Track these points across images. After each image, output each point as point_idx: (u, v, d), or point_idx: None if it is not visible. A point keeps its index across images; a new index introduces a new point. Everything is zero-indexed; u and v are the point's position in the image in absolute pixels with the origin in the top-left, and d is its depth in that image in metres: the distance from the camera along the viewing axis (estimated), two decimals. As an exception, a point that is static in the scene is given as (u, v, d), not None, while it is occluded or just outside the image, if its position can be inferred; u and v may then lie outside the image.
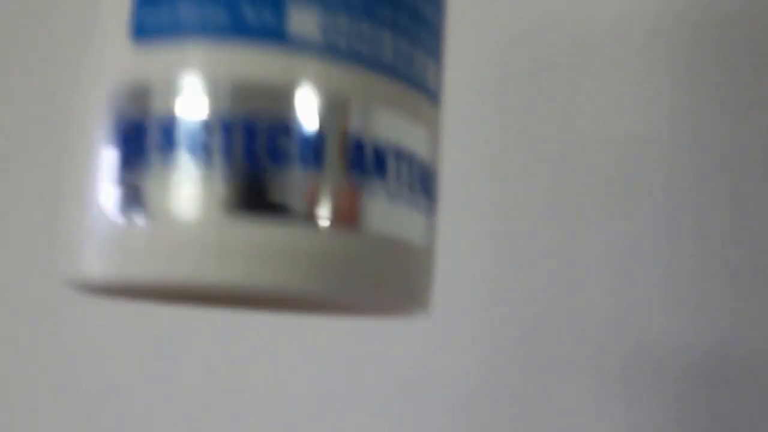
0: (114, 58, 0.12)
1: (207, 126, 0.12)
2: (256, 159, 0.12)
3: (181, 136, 0.12)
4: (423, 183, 0.14)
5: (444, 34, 0.15)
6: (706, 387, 0.33)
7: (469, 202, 0.35)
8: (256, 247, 0.12)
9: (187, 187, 0.12)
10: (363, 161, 0.12)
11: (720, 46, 0.34)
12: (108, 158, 0.12)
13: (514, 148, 0.35)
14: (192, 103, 0.12)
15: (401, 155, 0.13)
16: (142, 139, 0.12)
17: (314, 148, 0.12)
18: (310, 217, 0.12)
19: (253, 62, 0.12)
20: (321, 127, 0.12)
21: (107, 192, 0.12)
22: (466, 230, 0.35)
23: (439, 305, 0.33)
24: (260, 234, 0.12)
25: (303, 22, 0.12)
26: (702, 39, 0.34)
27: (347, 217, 0.12)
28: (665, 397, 0.33)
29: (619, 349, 0.33)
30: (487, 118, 0.35)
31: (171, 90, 0.12)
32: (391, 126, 0.13)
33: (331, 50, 0.12)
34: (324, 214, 0.12)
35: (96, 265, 0.12)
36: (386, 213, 0.13)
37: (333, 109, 0.12)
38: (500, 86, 0.35)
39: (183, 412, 0.35)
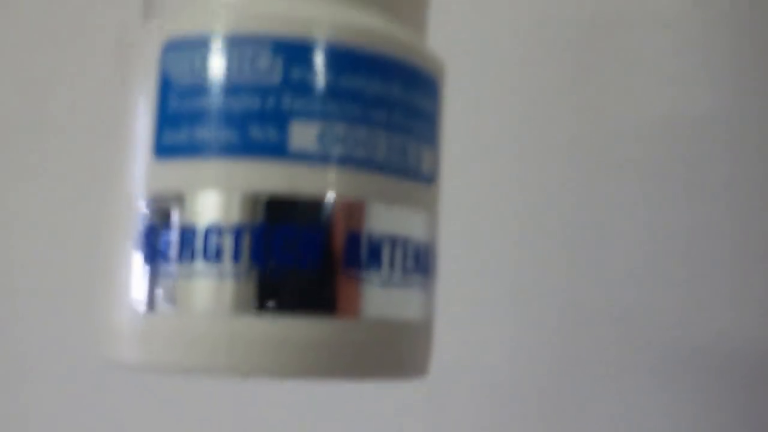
0: (140, 172, 0.14)
1: (219, 232, 0.13)
2: (262, 260, 0.13)
3: (197, 241, 0.13)
4: (417, 262, 0.15)
5: (440, 114, 0.16)
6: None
7: (519, 186, 0.35)
8: (263, 339, 0.13)
9: (201, 286, 0.13)
10: (359, 255, 0.14)
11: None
12: (135, 258, 0.14)
13: (570, 130, 0.35)
14: (206, 212, 0.13)
15: (396, 242, 0.14)
16: (163, 243, 0.14)
17: (313, 248, 0.14)
18: (312, 311, 0.13)
19: (259, 175, 0.13)
20: (320, 228, 0.14)
21: (135, 288, 0.14)
22: (514, 216, 0.35)
23: (488, 296, 0.34)
24: (266, 327, 0.13)
25: (303, 135, 0.14)
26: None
27: (345, 308, 0.14)
28: (730, 394, 0.33)
29: (683, 343, 0.34)
30: (542, 97, 0.35)
31: (188, 201, 0.13)
32: (384, 218, 0.14)
33: (328, 158, 0.14)
34: (323, 308, 0.14)
35: (126, 351, 0.14)
36: (382, 299, 0.14)
37: (330, 211, 0.14)
38: (553, 65, 0.35)
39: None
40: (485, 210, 0.36)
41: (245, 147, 0.13)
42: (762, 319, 0.33)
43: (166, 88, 0.14)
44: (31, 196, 0.37)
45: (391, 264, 0.14)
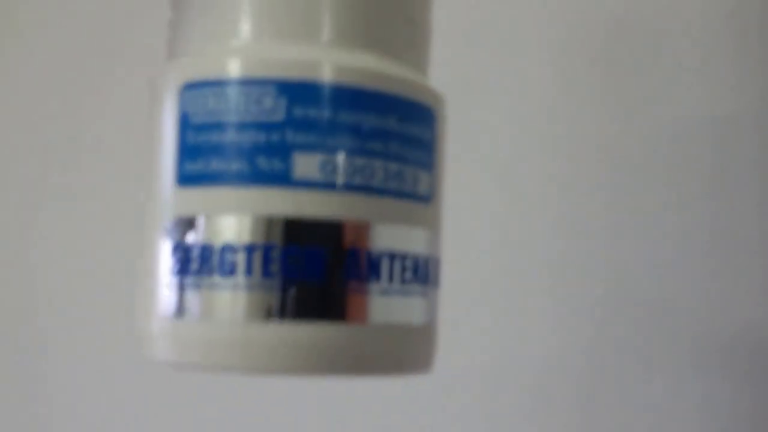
0: (166, 198, 0.16)
1: (233, 249, 0.15)
2: (270, 274, 0.15)
3: (214, 258, 0.15)
4: (416, 274, 0.17)
5: (439, 139, 0.18)
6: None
7: (556, 186, 0.37)
8: (272, 341, 0.15)
9: (219, 297, 0.15)
10: (359, 269, 0.16)
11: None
12: (164, 271, 0.16)
13: (603, 129, 0.36)
14: (221, 233, 0.15)
15: (394, 257, 0.16)
16: (187, 259, 0.16)
17: (317, 263, 0.15)
18: (315, 318, 0.15)
19: (266, 201, 0.15)
20: (323, 246, 0.15)
21: (165, 296, 0.16)
22: (550, 212, 0.37)
23: (528, 288, 0.36)
24: (275, 331, 0.15)
25: (306, 165, 0.15)
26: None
27: (343, 315, 0.16)
28: (759, 381, 0.35)
29: (713, 333, 0.35)
30: (570, 100, 0.37)
31: (206, 223, 0.16)
32: (382, 236, 0.16)
33: (328, 185, 0.16)
34: (324, 315, 0.15)
35: (159, 351, 0.16)
36: (381, 306, 0.16)
37: (332, 231, 0.16)
38: (583, 66, 0.37)
39: None
40: (525, 206, 0.37)
41: (254, 176, 0.15)
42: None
43: (184, 123, 0.16)
44: (79, 217, 0.42)
45: (390, 276, 0.16)
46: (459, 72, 0.36)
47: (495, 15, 0.38)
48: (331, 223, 0.16)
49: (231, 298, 0.15)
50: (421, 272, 0.17)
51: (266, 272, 0.15)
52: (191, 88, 0.16)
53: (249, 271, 0.15)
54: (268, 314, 0.15)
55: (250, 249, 0.15)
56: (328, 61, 0.16)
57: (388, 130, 0.16)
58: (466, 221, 0.37)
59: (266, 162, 0.15)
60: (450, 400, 0.37)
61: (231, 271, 0.15)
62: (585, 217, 0.36)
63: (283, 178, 0.15)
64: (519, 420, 0.36)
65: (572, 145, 0.36)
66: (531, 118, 0.37)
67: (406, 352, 0.17)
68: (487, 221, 0.38)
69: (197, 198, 0.16)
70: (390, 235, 0.16)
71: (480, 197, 0.37)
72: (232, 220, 0.15)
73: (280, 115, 0.15)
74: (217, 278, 0.15)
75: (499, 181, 0.38)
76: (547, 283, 0.37)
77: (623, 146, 0.36)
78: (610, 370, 0.36)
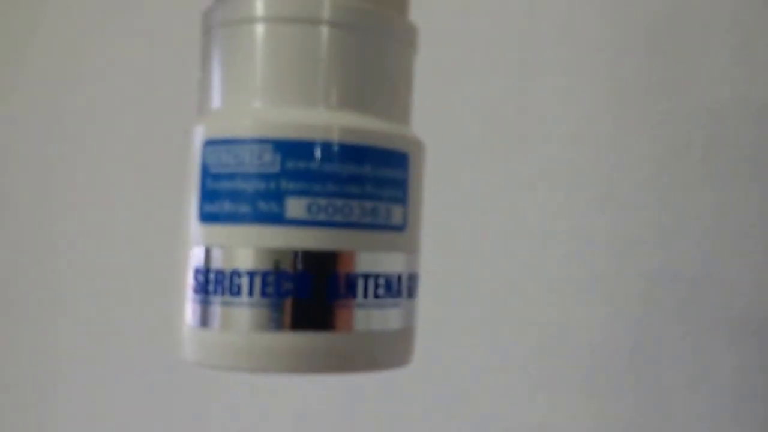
0: (191, 231, 0.20)
1: (239, 274, 0.20)
2: (267, 294, 0.20)
3: (226, 280, 0.20)
4: (389, 290, 0.21)
5: (415, 177, 0.22)
6: None
7: (605, 159, 0.42)
8: (271, 348, 0.20)
9: (229, 312, 0.20)
10: (338, 289, 0.20)
11: None
12: (190, 291, 0.20)
13: (652, 111, 0.42)
14: (231, 261, 0.20)
15: (368, 277, 0.20)
16: (205, 281, 0.20)
17: (306, 285, 0.20)
18: (306, 328, 0.20)
19: (264, 236, 0.20)
20: (309, 271, 0.20)
21: (190, 311, 0.20)
22: (617, 192, 0.42)
23: (580, 271, 0.41)
24: (273, 339, 0.20)
25: (295, 207, 0.20)
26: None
27: (330, 325, 0.20)
28: None
29: (751, 309, 0.40)
30: (620, 85, 0.42)
31: (220, 252, 0.20)
32: (359, 261, 0.20)
33: (313, 223, 0.20)
34: (314, 326, 0.20)
35: (187, 352, 0.21)
36: (361, 317, 0.20)
37: (316, 259, 0.20)
38: (628, 52, 0.42)
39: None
40: (574, 195, 0.42)
41: (255, 216, 0.20)
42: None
43: (205, 172, 0.20)
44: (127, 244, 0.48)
45: (365, 293, 0.20)
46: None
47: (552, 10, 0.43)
48: (315, 252, 0.20)
49: (239, 313, 0.20)
50: (394, 288, 0.21)
51: (264, 293, 0.20)
52: (210, 144, 0.20)
53: (251, 292, 0.20)
54: (267, 326, 0.20)
55: (251, 274, 0.20)
56: (313, 124, 0.20)
57: (364, 176, 0.20)
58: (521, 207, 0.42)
59: (265, 205, 0.20)
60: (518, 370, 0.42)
61: (238, 291, 0.20)
62: (636, 201, 0.42)
63: (278, 218, 0.20)
64: (574, 392, 0.42)
65: (632, 127, 0.42)
66: (587, 103, 0.42)
67: (385, 352, 0.21)
68: (536, 204, 0.43)
69: (214, 232, 0.20)
70: (366, 260, 0.20)
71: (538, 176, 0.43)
72: (239, 251, 0.20)
73: (276, 168, 0.20)
74: (228, 297, 0.20)
75: (547, 161, 0.42)
76: (598, 267, 0.42)
77: (669, 126, 0.41)
78: (657, 340, 0.41)
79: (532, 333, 0.42)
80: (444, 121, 0.45)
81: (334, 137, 0.20)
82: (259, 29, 0.21)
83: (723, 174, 0.41)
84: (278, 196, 0.20)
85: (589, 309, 0.42)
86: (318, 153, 0.20)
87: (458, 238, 0.45)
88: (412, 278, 0.22)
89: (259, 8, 0.21)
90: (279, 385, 0.46)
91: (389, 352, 0.21)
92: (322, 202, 0.20)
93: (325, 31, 0.21)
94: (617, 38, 0.42)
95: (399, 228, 0.21)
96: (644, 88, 0.42)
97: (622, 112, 0.42)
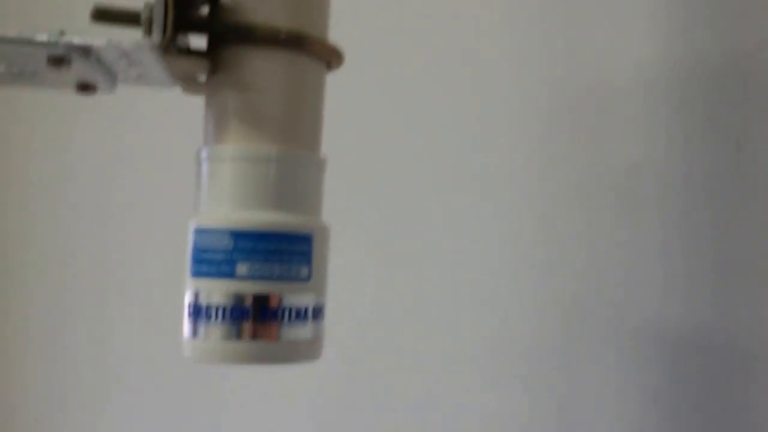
0: (187, 281, 0.36)
1: (210, 307, 0.35)
2: (226, 318, 0.35)
3: (203, 311, 0.35)
4: (301, 315, 0.36)
5: (318, 248, 0.37)
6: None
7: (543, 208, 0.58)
8: (234, 351, 0.35)
9: (208, 329, 0.35)
10: (268, 316, 0.35)
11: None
12: (186, 315, 0.36)
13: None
14: (207, 298, 0.35)
15: (286, 309, 0.35)
16: (195, 311, 0.35)
17: (246, 314, 0.35)
18: (252, 339, 0.35)
19: (225, 286, 0.35)
20: (253, 305, 0.35)
21: (187, 327, 0.36)
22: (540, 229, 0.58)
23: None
24: (234, 346, 0.35)
25: (242, 269, 0.35)
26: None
27: (265, 336, 0.35)
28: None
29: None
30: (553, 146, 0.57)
31: (202, 294, 0.35)
32: (281, 300, 0.35)
33: (253, 277, 0.35)
34: (257, 337, 0.35)
35: (185, 353, 0.36)
36: (285, 332, 0.35)
37: (256, 299, 0.35)
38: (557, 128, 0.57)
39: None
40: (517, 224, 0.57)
41: (218, 273, 0.35)
42: None
43: (195, 247, 0.36)
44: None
45: (288, 318, 0.35)
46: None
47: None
48: (256, 295, 0.35)
49: (214, 330, 0.35)
50: (302, 315, 0.36)
51: (224, 318, 0.35)
52: (197, 231, 0.36)
53: (217, 317, 0.35)
54: (231, 337, 0.35)
55: (217, 308, 0.35)
56: (253, 220, 0.35)
57: (283, 249, 0.35)
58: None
59: (226, 267, 0.35)
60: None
61: (214, 317, 0.35)
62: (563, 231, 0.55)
63: (230, 275, 0.35)
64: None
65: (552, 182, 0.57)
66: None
67: (300, 352, 0.36)
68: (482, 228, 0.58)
69: (198, 283, 0.35)
70: (286, 299, 0.35)
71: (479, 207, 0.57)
72: (213, 293, 0.35)
73: (230, 246, 0.35)
74: (205, 320, 0.35)
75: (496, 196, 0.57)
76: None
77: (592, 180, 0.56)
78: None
79: (476, 342, 0.57)
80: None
81: (266, 228, 0.35)
82: (226, 165, 0.36)
83: (636, 218, 0.55)
84: (232, 263, 0.35)
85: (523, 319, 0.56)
86: (255, 237, 0.35)
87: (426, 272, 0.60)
88: (317, 308, 0.37)
89: (227, 151, 0.36)
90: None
91: (302, 352, 0.36)
92: (257, 265, 0.35)
93: (264, 165, 0.36)
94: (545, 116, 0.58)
95: (306, 279, 0.36)
96: (569, 148, 0.56)
97: (552, 165, 0.56)
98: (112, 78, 0.38)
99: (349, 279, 0.66)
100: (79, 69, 0.36)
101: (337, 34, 0.40)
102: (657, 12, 0.58)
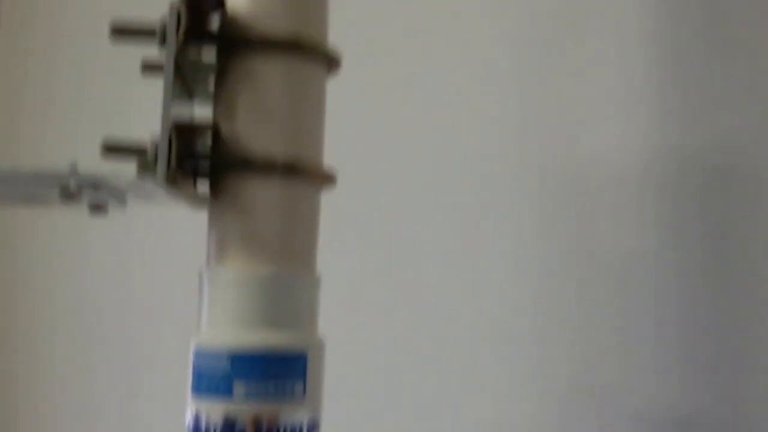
0: (188, 401, 0.38)
1: (210, 424, 0.37)
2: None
3: (203, 426, 0.37)
4: (297, 427, 0.38)
5: (313, 371, 0.39)
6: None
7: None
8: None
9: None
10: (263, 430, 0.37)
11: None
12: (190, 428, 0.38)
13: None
14: (207, 415, 0.37)
15: (282, 425, 0.37)
16: (197, 427, 0.38)
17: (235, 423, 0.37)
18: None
19: (221, 408, 0.37)
20: (251, 425, 0.37)
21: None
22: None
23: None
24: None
25: (239, 389, 0.37)
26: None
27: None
28: None
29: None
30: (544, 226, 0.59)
31: (202, 416, 0.37)
32: (278, 417, 0.37)
33: (247, 398, 0.37)
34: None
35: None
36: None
37: (253, 417, 0.37)
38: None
39: None
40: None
41: (217, 393, 0.37)
42: None
43: (195, 367, 0.38)
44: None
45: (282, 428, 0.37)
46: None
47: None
48: (252, 414, 0.37)
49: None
50: (300, 424, 0.38)
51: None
52: (197, 353, 0.38)
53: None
54: None
55: (216, 424, 0.37)
56: (248, 344, 0.37)
57: (278, 371, 0.37)
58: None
59: (224, 386, 0.37)
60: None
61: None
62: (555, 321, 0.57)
63: (228, 394, 0.37)
64: None
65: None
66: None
67: None
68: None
69: (198, 404, 0.38)
70: (282, 416, 0.37)
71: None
72: (210, 414, 0.37)
73: (228, 367, 0.37)
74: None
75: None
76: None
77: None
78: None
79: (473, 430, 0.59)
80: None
81: (262, 350, 0.37)
82: (224, 288, 0.38)
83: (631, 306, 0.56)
84: (229, 382, 0.37)
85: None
86: (251, 359, 0.37)
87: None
88: (311, 424, 0.39)
89: (226, 274, 0.38)
90: None
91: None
92: (254, 386, 0.37)
93: (261, 286, 0.38)
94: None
95: (300, 398, 0.38)
96: (564, 235, 0.58)
97: (547, 251, 0.58)
98: (121, 200, 0.40)
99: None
100: (90, 196, 0.38)
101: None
102: (651, 102, 0.60)
